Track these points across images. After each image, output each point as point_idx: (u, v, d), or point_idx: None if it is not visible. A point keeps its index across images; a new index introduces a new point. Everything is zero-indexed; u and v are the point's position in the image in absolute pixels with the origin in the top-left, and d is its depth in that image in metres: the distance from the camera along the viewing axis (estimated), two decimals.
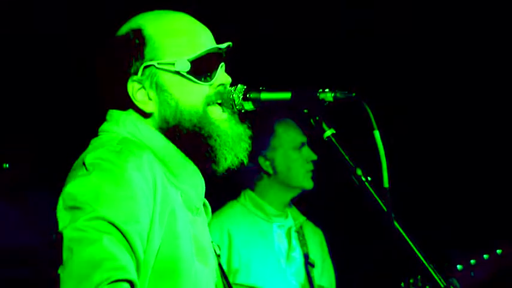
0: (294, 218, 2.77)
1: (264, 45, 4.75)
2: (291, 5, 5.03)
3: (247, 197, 2.68)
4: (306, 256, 2.61)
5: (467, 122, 4.98)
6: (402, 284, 2.35)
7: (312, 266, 2.62)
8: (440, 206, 4.70)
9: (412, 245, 1.56)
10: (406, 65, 5.30)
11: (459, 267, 2.43)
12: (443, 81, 5.21)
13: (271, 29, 4.97)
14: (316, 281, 2.65)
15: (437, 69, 5.19)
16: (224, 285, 1.73)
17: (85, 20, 4.63)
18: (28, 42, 3.87)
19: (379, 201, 1.49)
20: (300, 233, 2.69)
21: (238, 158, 1.64)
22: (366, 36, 5.02)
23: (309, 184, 2.74)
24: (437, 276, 1.53)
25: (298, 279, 2.58)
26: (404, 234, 1.55)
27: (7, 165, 2.87)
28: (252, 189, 2.66)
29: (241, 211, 2.65)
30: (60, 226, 1.45)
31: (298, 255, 2.61)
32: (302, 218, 2.75)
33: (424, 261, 1.54)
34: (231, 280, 2.23)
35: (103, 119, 1.65)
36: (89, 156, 1.49)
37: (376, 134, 1.49)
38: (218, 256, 1.73)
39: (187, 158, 1.63)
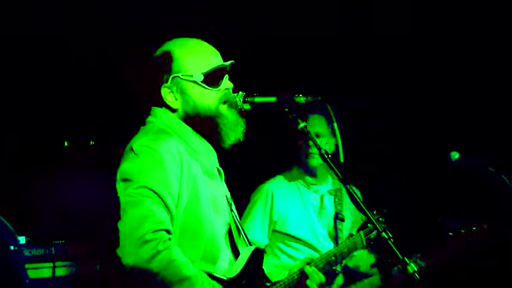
0: (332, 184, 3.58)
1: (265, 46, 4.81)
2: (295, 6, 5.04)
3: (295, 170, 3.55)
4: (337, 213, 3.45)
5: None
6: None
7: (342, 220, 3.45)
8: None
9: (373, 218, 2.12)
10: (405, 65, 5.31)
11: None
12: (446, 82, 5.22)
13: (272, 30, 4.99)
14: (344, 231, 3.42)
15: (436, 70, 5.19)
16: (236, 225, 2.42)
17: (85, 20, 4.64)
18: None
19: (336, 170, 2.17)
20: (338, 195, 3.51)
21: (237, 137, 2.33)
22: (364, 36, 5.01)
23: None
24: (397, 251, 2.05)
25: (327, 229, 3.44)
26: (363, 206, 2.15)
27: (93, 143, 3.84)
28: (299, 166, 3.52)
29: (286, 180, 3.55)
30: (118, 193, 2.15)
31: (330, 212, 3.46)
32: (337, 183, 3.52)
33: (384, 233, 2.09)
34: (271, 228, 3.44)
35: (147, 112, 2.36)
36: (135, 144, 2.19)
37: (335, 125, 2.26)
38: (230, 204, 2.42)
39: (202, 138, 2.33)
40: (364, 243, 2.80)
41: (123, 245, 2.05)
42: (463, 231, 2.90)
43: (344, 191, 3.47)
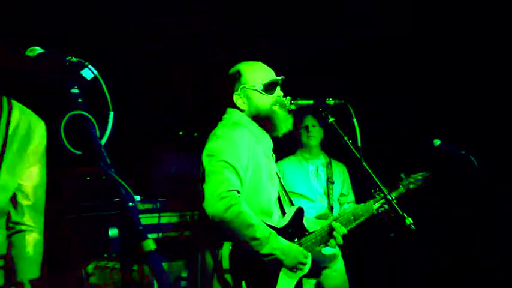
0: (324, 158, 4.88)
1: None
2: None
3: (298, 152, 4.87)
4: (328, 178, 4.77)
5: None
6: (402, 175, 3.63)
7: (332, 183, 4.75)
8: None
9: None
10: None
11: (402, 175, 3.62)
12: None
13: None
14: (334, 193, 4.75)
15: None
16: (283, 192, 3.29)
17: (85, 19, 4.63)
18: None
19: (354, 150, 2.95)
20: (329, 167, 4.81)
21: (288, 128, 3.17)
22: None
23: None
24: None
25: (322, 189, 4.74)
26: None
27: (182, 133, 5.16)
28: (301, 147, 4.86)
29: (294, 158, 4.87)
30: (204, 164, 2.93)
31: (323, 177, 4.78)
32: (327, 159, 4.87)
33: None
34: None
35: (223, 112, 3.22)
36: (218, 131, 3.04)
37: (354, 120, 2.89)
38: (279, 178, 3.29)
39: (262, 129, 3.17)
40: (374, 211, 3.46)
41: (207, 200, 2.82)
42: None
43: (333, 164, 4.86)
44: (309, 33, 5.29)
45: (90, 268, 2.17)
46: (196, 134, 5.12)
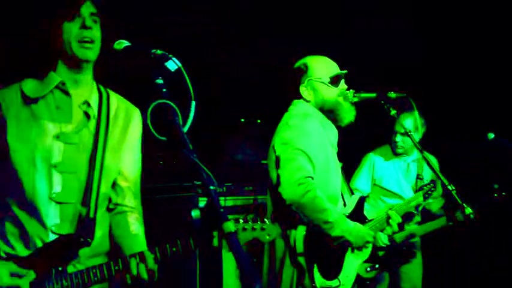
0: (417, 153, 4.67)
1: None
2: None
3: (388, 146, 4.76)
4: (418, 174, 4.68)
5: None
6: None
7: (421, 179, 4.64)
8: None
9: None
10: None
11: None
12: None
13: None
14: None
15: None
16: (344, 181, 3.46)
17: None
18: None
19: (416, 144, 3.47)
20: (419, 162, 4.67)
21: (350, 119, 3.30)
22: None
23: None
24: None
25: (411, 185, 4.68)
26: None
27: (259, 121, 5.33)
28: (391, 145, 4.76)
29: (385, 151, 4.78)
30: (277, 152, 3.14)
31: (413, 173, 4.70)
32: (419, 154, 4.36)
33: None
34: (372, 183, 4.75)
35: (289, 103, 3.38)
36: (289, 120, 3.24)
37: (416, 113, 3.50)
38: (342, 167, 3.41)
39: (328, 120, 3.32)
40: (422, 202, 3.86)
41: (284, 186, 3.04)
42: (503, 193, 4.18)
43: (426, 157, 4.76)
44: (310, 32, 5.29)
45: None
46: (259, 121, 5.31)
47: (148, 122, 1.92)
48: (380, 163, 4.77)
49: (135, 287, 2.34)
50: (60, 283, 2.27)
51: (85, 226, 2.37)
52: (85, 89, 2.47)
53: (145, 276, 2.28)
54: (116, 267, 2.30)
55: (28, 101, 2.39)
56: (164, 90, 2.01)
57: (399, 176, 4.74)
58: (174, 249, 2.29)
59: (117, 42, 2.22)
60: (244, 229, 2.27)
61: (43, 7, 2.46)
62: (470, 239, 5.23)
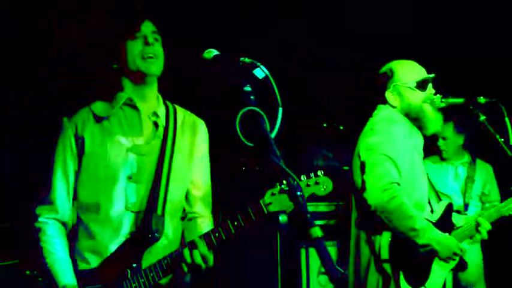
0: (466, 157, 4.83)
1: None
2: None
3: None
4: (468, 176, 4.75)
5: None
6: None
7: (472, 182, 4.70)
8: None
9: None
10: None
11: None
12: None
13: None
14: (473, 191, 4.74)
15: None
16: (431, 187, 3.44)
17: None
18: None
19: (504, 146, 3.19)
20: (472, 166, 4.76)
21: (436, 129, 3.24)
22: None
23: None
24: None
25: (459, 187, 4.78)
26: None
27: (342, 127, 5.29)
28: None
29: (434, 158, 4.85)
30: (362, 158, 3.08)
31: (462, 177, 4.77)
32: (470, 158, 4.84)
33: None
34: None
35: (374, 108, 3.30)
36: (375, 126, 3.16)
37: (507, 119, 3.10)
38: (427, 173, 3.34)
39: (414, 126, 3.23)
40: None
41: (370, 192, 2.98)
42: None
43: (478, 164, 4.81)
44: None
45: (267, 198, 2.28)
46: (341, 127, 5.30)
47: (237, 128, 1.96)
48: (431, 170, 4.74)
49: (198, 275, 2.43)
50: (137, 281, 2.38)
51: (154, 223, 2.45)
52: (152, 103, 2.59)
53: (199, 261, 2.32)
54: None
55: (100, 119, 2.52)
56: (252, 97, 2.04)
57: (448, 179, 4.82)
58: (235, 223, 2.32)
59: (207, 51, 2.25)
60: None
61: (109, 31, 2.60)
62: None
